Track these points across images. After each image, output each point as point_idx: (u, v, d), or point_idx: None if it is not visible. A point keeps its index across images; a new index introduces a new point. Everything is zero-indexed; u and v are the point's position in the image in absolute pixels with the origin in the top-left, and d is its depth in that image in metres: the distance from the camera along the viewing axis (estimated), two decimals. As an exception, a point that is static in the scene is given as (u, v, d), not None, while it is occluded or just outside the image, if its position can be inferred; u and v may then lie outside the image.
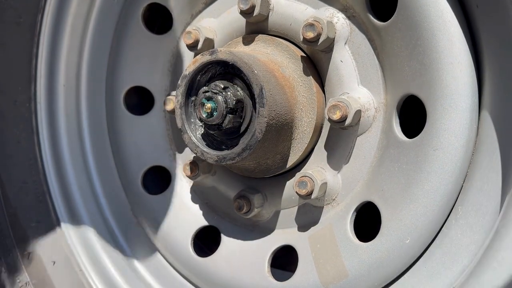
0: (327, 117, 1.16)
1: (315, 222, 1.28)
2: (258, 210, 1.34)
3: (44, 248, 1.60)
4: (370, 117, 1.19)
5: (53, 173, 1.63)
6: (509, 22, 0.97)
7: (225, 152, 1.19)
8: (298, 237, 1.30)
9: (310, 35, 1.17)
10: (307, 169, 1.27)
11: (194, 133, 1.24)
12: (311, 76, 1.23)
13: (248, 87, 1.17)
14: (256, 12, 1.25)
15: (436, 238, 1.10)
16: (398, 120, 1.16)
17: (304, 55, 1.26)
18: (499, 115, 1.02)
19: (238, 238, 1.40)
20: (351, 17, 1.21)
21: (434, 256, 1.09)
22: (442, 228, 1.10)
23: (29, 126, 1.61)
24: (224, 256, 1.40)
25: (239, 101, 1.16)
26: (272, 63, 1.23)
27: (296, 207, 1.31)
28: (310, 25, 1.16)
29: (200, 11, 1.43)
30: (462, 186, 1.07)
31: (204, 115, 1.16)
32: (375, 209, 1.18)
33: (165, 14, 1.53)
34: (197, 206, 1.49)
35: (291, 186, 1.29)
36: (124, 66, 1.57)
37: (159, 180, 1.67)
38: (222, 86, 1.16)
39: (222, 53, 1.16)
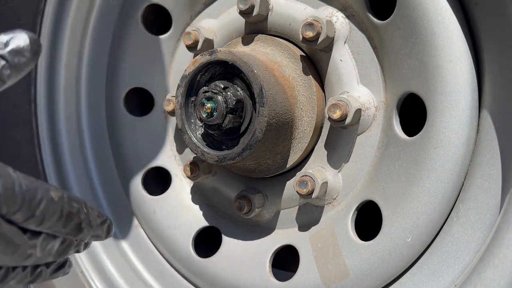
0: (327, 116, 1.16)
1: (316, 221, 1.28)
2: (259, 210, 1.34)
3: (45, 250, 1.60)
4: (370, 116, 1.19)
5: (54, 175, 1.63)
6: (508, 19, 0.97)
7: (225, 152, 1.19)
8: (299, 236, 1.30)
9: (310, 34, 1.17)
10: (307, 169, 1.27)
11: (194, 133, 1.24)
12: (310, 76, 1.23)
13: (248, 87, 1.17)
14: (255, 12, 1.25)
15: (438, 236, 1.10)
16: (398, 119, 1.16)
17: (303, 54, 1.26)
18: (499, 112, 1.02)
19: (239, 239, 1.39)
20: (350, 16, 1.21)
21: (435, 254, 1.09)
22: (443, 226, 1.09)
23: (29, 128, 1.61)
24: (225, 256, 1.40)
25: (239, 101, 1.16)
26: (272, 62, 1.23)
27: (297, 207, 1.31)
28: (310, 25, 1.17)
29: (200, 12, 1.44)
30: (463, 183, 1.07)
31: (204, 115, 1.16)
32: (376, 208, 1.18)
33: (165, 15, 1.54)
34: (197, 207, 1.49)
35: (291, 185, 1.29)
36: (124, 67, 1.57)
37: (159, 181, 1.67)
38: (222, 86, 1.16)
39: (222, 53, 1.16)
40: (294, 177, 1.26)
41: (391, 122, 1.16)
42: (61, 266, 0.95)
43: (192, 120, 1.24)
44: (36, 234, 0.80)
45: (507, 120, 1.01)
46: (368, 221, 1.33)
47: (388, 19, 1.14)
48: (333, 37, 1.20)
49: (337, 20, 1.21)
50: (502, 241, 0.93)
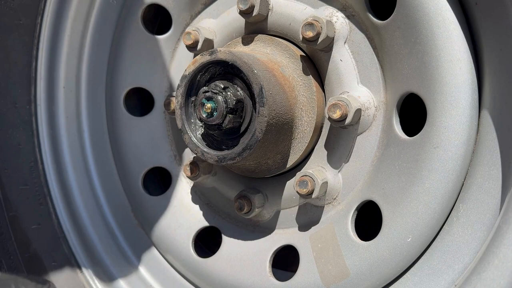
0: (327, 116, 1.16)
1: (316, 221, 1.28)
2: (259, 210, 1.34)
3: (45, 250, 1.60)
4: (370, 116, 1.19)
5: (54, 175, 1.63)
6: (508, 19, 0.97)
7: (225, 152, 1.19)
8: (299, 236, 1.30)
9: (310, 34, 1.17)
10: (307, 169, 1.27)
11: (194, 133, 1.24)
12: (310, 76, 1.23)
13: (248, 87, 1.17)
14: (255, 12, 1.25)
15: (438, 236, 1.10)
16: (398, 119, 1.16)
17: (303, 54, 1.26)
18: (499, 112, 1.02)
19: (239, 239, 1.39)
20: (350, 16, 1.21)
21: (435, 254, 1.09)
22: (444, 226, 1.10)
23: (29, 128, 1.61)
24: (225, 256, 1.40)
25: (239, 101, 1.16)
26: (272, 62, 1.23)
27: (297, 207, 1.31)
28: (310, 25, 1.17)
29: (200, 12, 1.44)
30: (463, 183, 1.07)
31: (204, 115, 1.16)
32: (376, 208, 1.18)
33: (165, 15, 1.54)
34: (197, 207, 1.49)
35: (291, 185, 1.29)
36: (124, 67, 1.57)
37: (159, 181, 1.67)
38: (222, 86, 1.16)
39: (222, 53, 1.16)
40: (294, 177, 1.26)
41: (391, 122, 1.16)
42: None
43: (192, 120, 1.24)
44: None
45: (507, 120, 1.01)
46: (368, 221, 1.33)
47: (388, 19, 1.14)
48: (333, 37, 1.20)
49: (337, 20, 1.21)
50: (502, 241, 0.93)
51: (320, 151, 1.27)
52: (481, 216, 1.03)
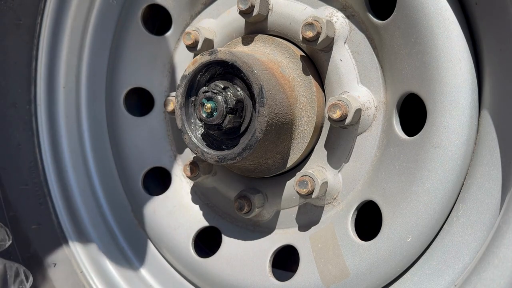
0: (327, 116, 1.16)
1: (316, 221, 1.28)
2: (259, 210, 1.34)
3: (45, 250, 1.60)
4: (370, 116, 1.19)
5: (54, 175, 1.63)
6: (508, 19, 0.97)
7: (225, 152, 1.19)
8: (299, 236, 1.30)
9: (310, 34, 1.17)
10: (307, 169, 1.27)
11: (194, 133, 1.24)
12: (310, 76, 1.23)
13: (248, 87, 1.17)
14: (255, 12, 1.25)
15: (438, 236, 1.10)
16: (398, 119, 1.16)
17: (303, 54, 1.26)
18: (499, 112, 1.02)
19: (239, 239, 1.39)
20: (350, 16, 1.21)
21: (435, 254, 1.09)
22: (444, 226, 1.10)
23: (29, 128, 1.61)
24: (225, 256, 1.40)
25: (239, 101, 1.16)
26: (272, 62, 1.23)
27: (297, 207, 1.31)
28: (310, 25, 1.17)
29: (199, 12, 1.44)
30: (463, 183, 1.07)
31: (204, 115, 1.16)
32: (376, 208, 1.18)
33: (165, 15, 1.54)
34: (197, 207, 1.49)
35: (291, 185, 1.29)
36: (124, 67, 1.57)
37: (159, 181, 1.67)
38: (222, 86, 1.16)
39: (222, 53, 1.16)
40: (294, 177, 1.26)
41: (391, 122, 1.16)
42: None
43: (192, 120, 1.24)
44: None
45: (507, 120, 1.01)
46: (368, 221, 1.33)
47: (388, 19, 1.14)
48: (333, 37, 1.20)
49: (337, 20, 1.21)
50: (502, 241, 0.93)
51: (320, 151, 1.27)
52: (481, 216, 1.03)
